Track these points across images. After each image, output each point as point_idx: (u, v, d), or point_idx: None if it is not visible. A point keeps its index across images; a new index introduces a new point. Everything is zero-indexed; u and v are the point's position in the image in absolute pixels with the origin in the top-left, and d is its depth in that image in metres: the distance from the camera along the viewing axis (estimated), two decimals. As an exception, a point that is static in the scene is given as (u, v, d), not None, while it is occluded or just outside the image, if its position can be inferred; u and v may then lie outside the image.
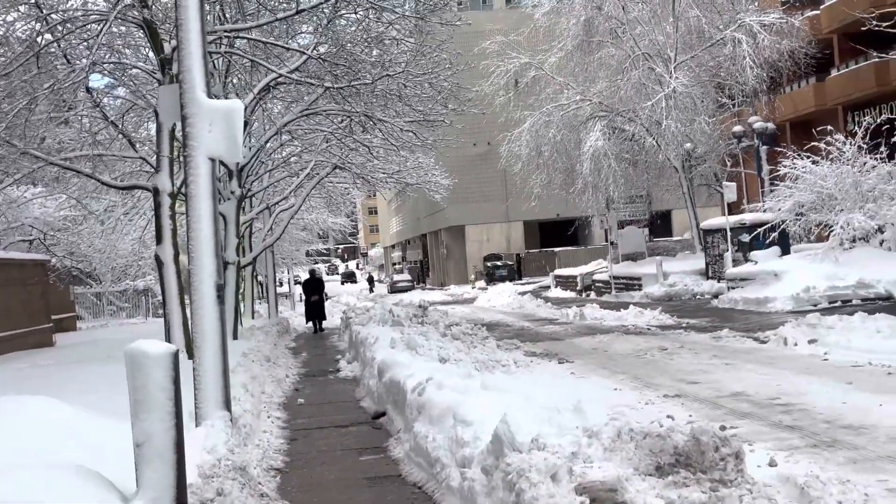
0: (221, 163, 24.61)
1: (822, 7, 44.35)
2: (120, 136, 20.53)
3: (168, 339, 17.41)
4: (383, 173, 30.92)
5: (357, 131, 25.51)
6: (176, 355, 6.20)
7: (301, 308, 53.79)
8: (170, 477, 5.84)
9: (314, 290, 35.68)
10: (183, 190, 17.86)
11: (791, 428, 9.86)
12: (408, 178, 32.40)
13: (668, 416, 10.85)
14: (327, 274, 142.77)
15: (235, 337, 23.37)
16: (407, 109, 23.15)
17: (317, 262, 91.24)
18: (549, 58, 44.07)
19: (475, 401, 9.37)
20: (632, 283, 39.60)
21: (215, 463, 7.54)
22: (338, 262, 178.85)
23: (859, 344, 15.60)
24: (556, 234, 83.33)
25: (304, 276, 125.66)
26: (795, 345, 16.77)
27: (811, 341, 16.67)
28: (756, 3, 40.52)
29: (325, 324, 35.48)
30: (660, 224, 62.73)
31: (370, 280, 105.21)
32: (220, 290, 9.33)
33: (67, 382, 14.18)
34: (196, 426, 9.07)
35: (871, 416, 10.04)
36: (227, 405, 9.44)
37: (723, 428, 9.93)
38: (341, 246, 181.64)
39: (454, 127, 24.95)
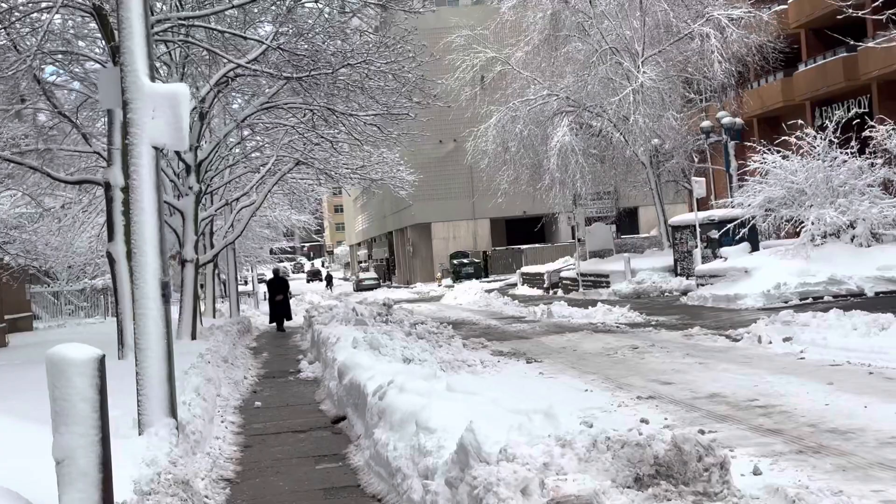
0: (180, 157, 24.01)
1: (790, 1, 44.02)
2: (74, 130, 19.75)
3: (120, 340, 16.72)
4: (347, 168, 30.21)
5: (319, 125, 24.84)
6: (102, 361, 5.57)
7: (265, 307, 53.10)
8: (94, 499, 5.21)
9: (278, 289, 35.32)
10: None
11: (773, 432, 9.32)
12: (372, 174, 31.70)
13: (643, 420, 10.30)
14: (293, 272, 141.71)
15: (194, 337, 22.64)
16: (370, 102, 22.47)
17: (281, 261, 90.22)
18: (516, 52, 43.53)
19: (439, 405, 8.76)
20: (600, 281, 39.18)
21: (154, 477, 6.90)
22: (304, 260, 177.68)
23: (835, 342, 15.13)
24: (523, 231, 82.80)
25: (269, 274, 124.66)
26: (770, 343, 16.30)
27: (786, 339, 16.20)
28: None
29: (290, 323, 34.94)
30: (627, 221, 62.37)
31: (328, 279, 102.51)
32: (166, 288, 8.69)
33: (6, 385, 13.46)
34: (139, 435, 8.43)
35: (856, 419, 9.53)
36: (173, 411, 8.79)
37: (701, 432, 9.38)
38: (307, 244, 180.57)
39: (419, 121, 24.29)
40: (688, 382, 13.01)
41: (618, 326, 23.39)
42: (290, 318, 35.25)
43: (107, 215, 16.97)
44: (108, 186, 16.77)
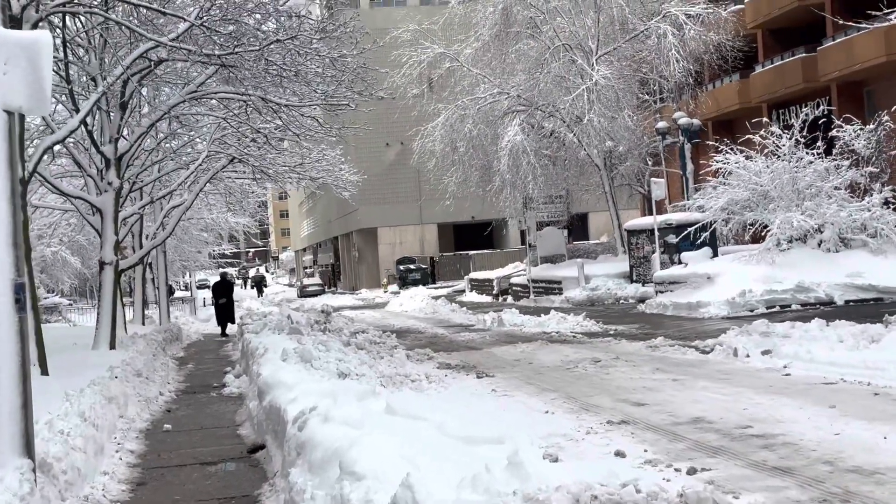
0: (98, 150, 21.97)
1: (746, 1, 42.67)
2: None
3: None
4: (284, 166, 28.28)
5: (254, 118, 22.95)
6: None
7: (202, 313, 50.87)
8: None
9: (223, 292, 34.26)
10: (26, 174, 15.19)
11: (782, 471, 7.59)
12: (312, 173, 29.78)
13: (619, 454, 8.61)
14: (237, 277, 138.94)
15: (113, 346, 20.64)
16: (307, 92, 20.61)
17: (221, 266, 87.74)
18: (465, 49, 41.73)
19: (371, 441, 6.94)
20: (552, 287, 37.50)
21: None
22: (247, 265, 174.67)
23: (822, 356, 13.54)
24: (472, 236, 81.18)
25: (214, 279, 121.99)
26: (748, 356, 14.71)
27: (765, 352, 14.61)
28: (681, -5, 38.65)
29: (232, 328, 33.24)
30: (577, 227, 60.87)
31: (258, 283, 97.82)
32: (20, 291, 6.79)
33: None
34: (-18, 481, 6.54)
35: (881, 455, 7.84)
36: (29, 449, 6.89)
37: (693, 471, 7.67)
38: (252, 249, 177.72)
39: (361, 112, 22.38)
40: (664, 403, 11.29)
41: (574, 336, 21.71)
42: (233, 322, 33.84)
43: (2, 210, 14.97)
44: (3, 177, 14.76)
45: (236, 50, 16.13)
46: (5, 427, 6.69)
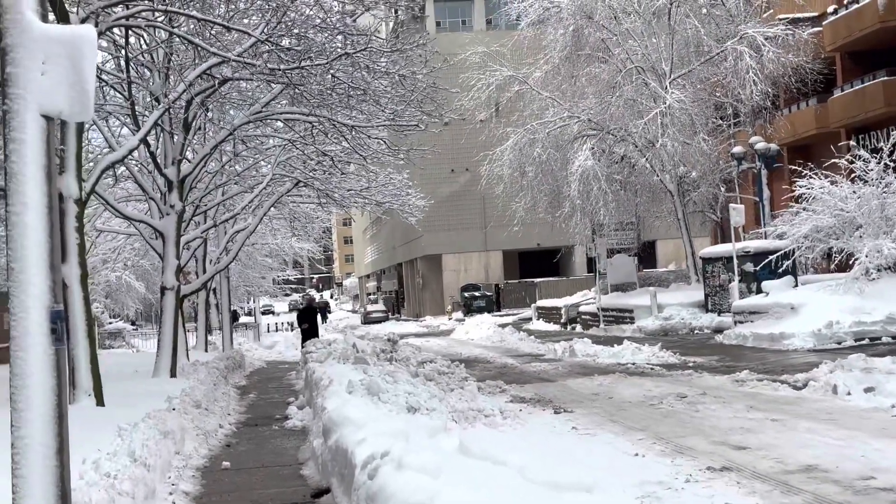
0: (161, 172, 21.37)
1: (824, 24, 41.30)
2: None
3: (72, 380, 14.01)
4: (349, 190, 27.56)
5: (320, 140, 22.29)
6: None
7: (266, 339, 50.34)
8: None
9: (307, 318, 33.71)
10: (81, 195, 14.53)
11: (926, 535, 6.57)
12: (377, 196, 29.04)
13: (729, 508, 7.60)
14: (301, 304, 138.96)
15: (174, 374, 19.96)
16: (375, 111, 19.87)
17: (287, 294, 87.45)
18: (535, 72, 40.86)
19: (453, 495, 6.05)
20: (622, 316, 36.36)
21: None
22: (313, 291, 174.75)
23: (935, 395, 12.41)
24: (537, 264, 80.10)
25: (277, 305, 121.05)
26: (848, 394, 13.58)
27: (867, 390, 13.50)
28: (758, 17, 37.42)
29: (290, 357, 32.68)
30: (646, 254, 59.60)
31: (322, 310, 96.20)
32: (57, 320, 5.97)
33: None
34: (11, 536, 5.74)
35: None
36: (65, 497, 6.05)
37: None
38: (316, 276, 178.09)
39: (430, 132, 21.58)
40: (768, 447, 10.24)
41: (652, 368, 20.65)
42: None
43: (60, 232, 14.30)
44: (60, 198, 14.11)
45: (302, 65, 15.39)
46: (38, 475, 5.87)
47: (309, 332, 33.55)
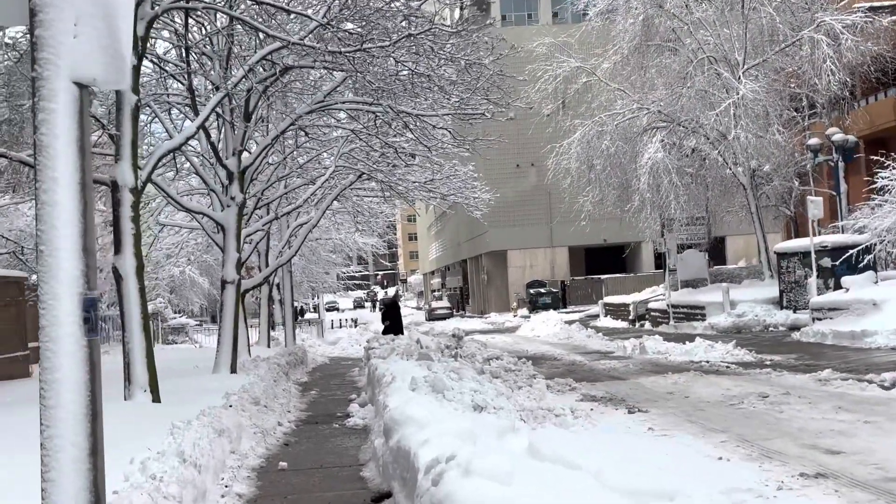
0: (221, 163, 20.95)
1: (903, 10, 39.92)
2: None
3: (127, 376, 13.58)
4: (413, 182, 26.96)
5: (383, 130, 21.74)
6: None
7: (329, 335, 50.03)
8: None
9: (389, 314, 33.70)
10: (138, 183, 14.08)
11: None
12: (442, 189, 28.39)
13: (832, 520, 6.85)
14: (365, 300, 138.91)
15: (234, 370, 19.55)
16: (440, 98, 19.23)
17: (351, 289, 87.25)
18: (603, 63, 40.03)
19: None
20: (693, 313, 35.40)
21: None
22: (377, 288, 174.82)
23: None
24: (603, 260, 79.20)
25: (342, 301, 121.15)
26: (946, 395, 12.69)
27: (965, 390, 12.60)
28: (835, 5, 36.17)
29: (352, 353, 32.24)
30: (715, 250, 58.40)
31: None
32: (90, 308, 5.42)
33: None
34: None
35: None
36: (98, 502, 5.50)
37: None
38: (380, 272, 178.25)
39: (494, 124, 20.87)
40: (864, 452, 9.46)
41: (727, 366, 19.78)
42: None
43: (113, 222, 13.84)
44: (114, 186, 13.68)
45: (364, 47, 14.80)
46: (67, 481, 5.32)
47: (392, 329, 33.40)
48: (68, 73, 5.47)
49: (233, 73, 19.73)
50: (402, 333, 33.31)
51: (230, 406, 12.74)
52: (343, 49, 14.82)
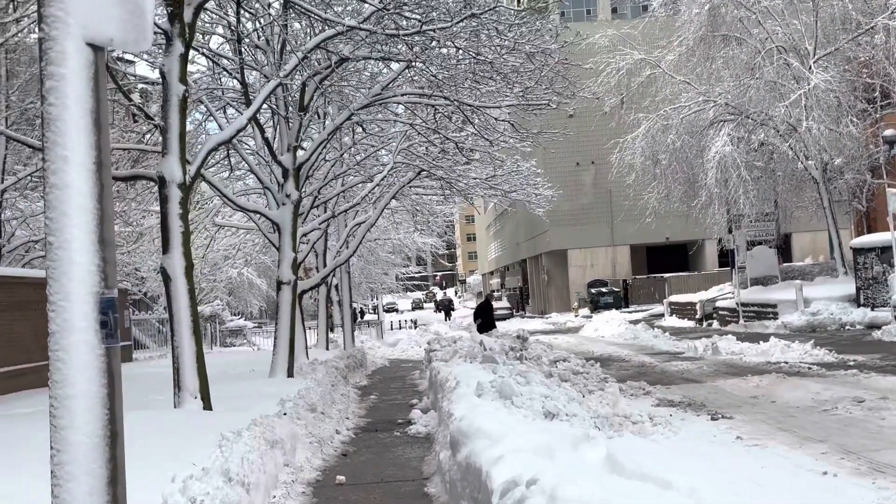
0: (276, 160, 20.19)
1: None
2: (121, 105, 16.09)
3: (177, 382, 12.82)
4: (474, 178, 26.07)
5: (442, 125, 20.93)
6: None
7: (389, 337, 49.28)
8: None
9: (481, 313, 34.31)
10: (186, 177, 13.31)
11: None
12: (504, 185, 27.46)
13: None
14: (425, 301, 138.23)
15: (291, 374, 18.80)
16: (503, 88, 18.32)
17: (411, 290, 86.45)
18: (667, 55, 38.84)
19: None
20: (764, 312, 34.12)
21: None
22: (436, 289, 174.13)
23: None
24: (665, 258, 77.81)
25: (401, 302, 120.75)
26: None
27: None
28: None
29: (412, 355, 31.59)
30: (781, 248, 56.85)
31: (446, 308, 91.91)
32: (108, 311, 4.61)
33: None
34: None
35: None
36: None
37: None
38: (439, 273, 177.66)
39: (560, 112, 19.91)
40: None
41: (809, 368, 18.66)
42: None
43: (161, 220, 13.09)
44: (162, 182, 12.93)
45: (424, 28, 13.91)
46: (82, 509, 4.50)
47: (484, 327, 33.38)
48: (80, 31, 4.65)
49: (285, 59, 18.98)
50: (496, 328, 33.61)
51: (284, 414, 11.94)
52: (402, 32, 13.94)
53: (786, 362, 20.12)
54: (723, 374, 18.68)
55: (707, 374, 19.25)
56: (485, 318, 33.72)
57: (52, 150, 4.55)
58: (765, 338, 24.50)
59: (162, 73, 13.04)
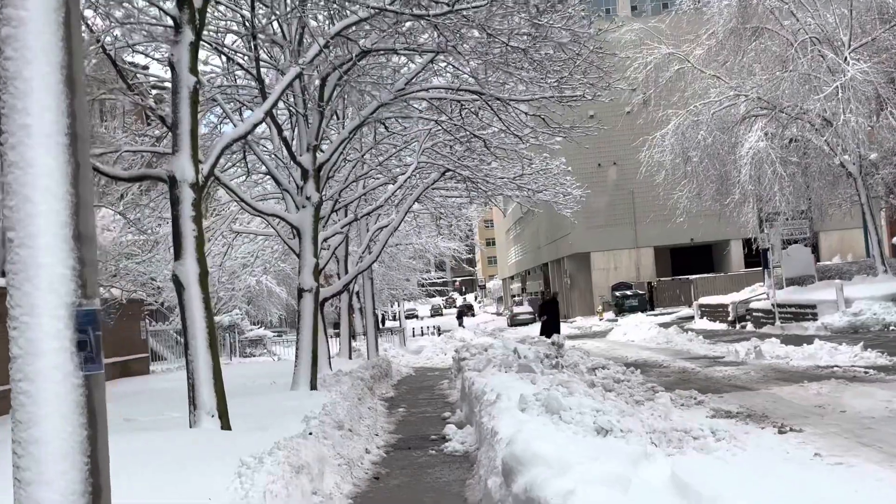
0: (294, 160, 19.16)
1: None
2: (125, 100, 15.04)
3: (192, 399, 11.73)
4: (501, 178, 24.94)
5: (468, 122, 19.85)
6: None
7: (412, 344, 48.20)
8: None
9: (546, 310, 33.90)
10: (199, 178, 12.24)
11: None
12: (531, 185, 26.31)
13: None
14: (444, 307, 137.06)
15: (314, 387, 17.71)
16: (536, 78, 17.19)
17: (432, 295, 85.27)
18: (695, 49, 37.68)
19: None
20: (802, 312, 32.87)
21: None
22: (456, 294, 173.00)
23: None
24: (690, 260, 76.58)
25: (420, 309, 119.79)
26: None
27: None
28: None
29: (438, 363, 30.51)
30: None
31: (460, 314, 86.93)
32: (87, 328, 3.51)
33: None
34: None
35: None
36: None
37: None
38: (459, 278, 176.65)
39: (598, 103, 18.75)
40: None
41: (866, 372, 17.50)
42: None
43: (172, 223, 12.01)
44: (172, 182, 11.86)
45: (456, 7, 12.78)
46: None
47: (549, 325, 32.93)
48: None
49: (304, 47, 17.93)
50: (560, 332, 32.17)
51: (310, 434, 10.84)
52: (431, 12, 12.83)
53: (837, 366, 18.97)
54: (774, 380, 17.51)
55: (757, 380, 18.07)
56: (551, 317, 33.13)
57: (10, 117, 3.46)
58: (806, 340, 23.42)
59: (171, 64, 11.97)
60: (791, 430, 11.55)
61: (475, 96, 18.27)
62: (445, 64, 19.53)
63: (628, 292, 68.52)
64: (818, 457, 9.79)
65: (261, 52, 18.49)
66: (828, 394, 14.66)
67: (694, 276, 67.58)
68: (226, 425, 11.80)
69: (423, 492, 9.94)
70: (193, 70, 11.95)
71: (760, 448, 10.57)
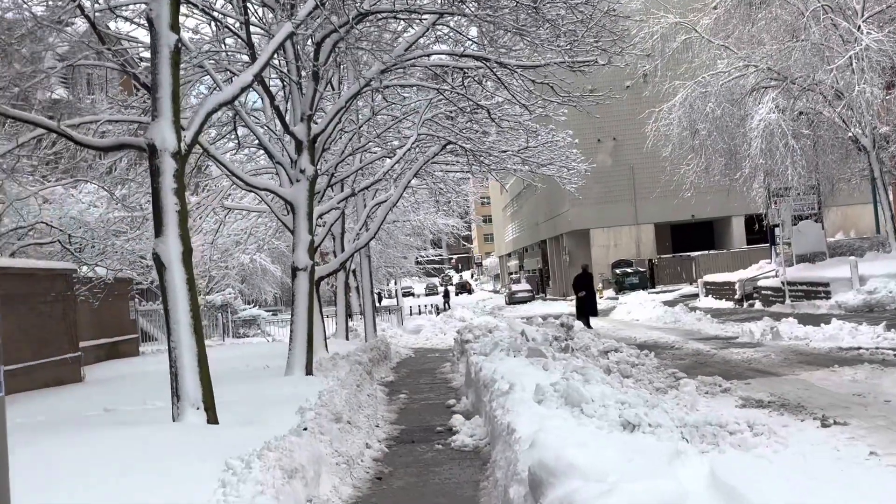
0: (287, 131, 18.04)
1: None
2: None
3: (175, 389, 10.63)
4: (504, 151, 23.77)
5: (471, 91, 18.75)
6: None
7: (410, 324, 47.17)
8: None
9: (583, 285, 32.92)
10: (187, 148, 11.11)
11: None
12: (536, 158, 25.17)
13: None
14: (440, 285, 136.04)
15: (310, 371, 16.68)
16: (546, 41, 16.06)
17: (430, 274, 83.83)
18: (703, 18, 36.49)
19: None
20: (814, 290, 31.78)
21: None
22: (452, 272, 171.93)
23: None
24: (691, 236, 75.46)
25: (416, 287, 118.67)
26: None
27: None
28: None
29: (438, 343, 29.39)
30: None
31: (446, 294, 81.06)
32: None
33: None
34: None
35: None
36: None
37: None
38: (454, 256, 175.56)
39: (613, 67, 17.58)
40: None
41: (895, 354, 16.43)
42: (595, 315, 32.86)
43: (153, 196, 10.87)
44: (152, 151, 10.74)
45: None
46: None
47: (586, 300, 32.55)
48: None
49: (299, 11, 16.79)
50: (596, 315, 32.86)
51: (305, 429, 9.75)
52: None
53: (862, 348, 17.93)
54: (799, 364, 16.45)
55: (779, 363, 17.00)
56: (589, 292, 32.61)
57: None
58: (822, 319, 22.43)
59: (150, 21, 10.83)
60: (835, 423, 10.48)
61: (479, 63, 17.17)
62: (448, 30, 18.39)
63: (629, 270, 67.45)
64: (874, 456, 8.73)
65: (251, 15, 17.37)
66: (863, 380, 13.58)
67: (696, 254, 66.56)
68: (212, 419, 10.72)
69: (431, 496, 8.87)
70: (174, 27, 10.82)
71: (803, 444, 9.51)
